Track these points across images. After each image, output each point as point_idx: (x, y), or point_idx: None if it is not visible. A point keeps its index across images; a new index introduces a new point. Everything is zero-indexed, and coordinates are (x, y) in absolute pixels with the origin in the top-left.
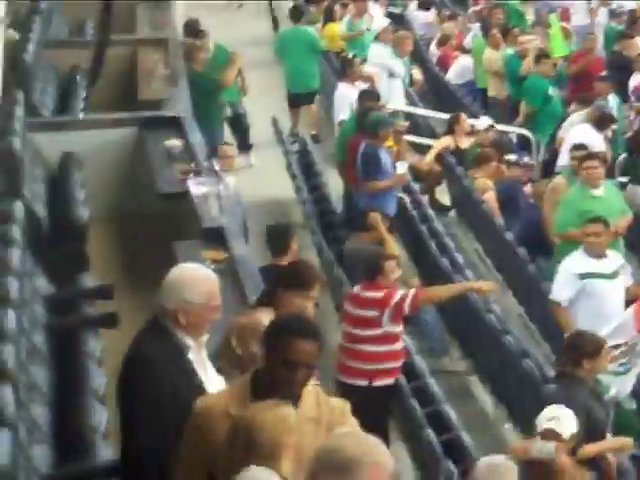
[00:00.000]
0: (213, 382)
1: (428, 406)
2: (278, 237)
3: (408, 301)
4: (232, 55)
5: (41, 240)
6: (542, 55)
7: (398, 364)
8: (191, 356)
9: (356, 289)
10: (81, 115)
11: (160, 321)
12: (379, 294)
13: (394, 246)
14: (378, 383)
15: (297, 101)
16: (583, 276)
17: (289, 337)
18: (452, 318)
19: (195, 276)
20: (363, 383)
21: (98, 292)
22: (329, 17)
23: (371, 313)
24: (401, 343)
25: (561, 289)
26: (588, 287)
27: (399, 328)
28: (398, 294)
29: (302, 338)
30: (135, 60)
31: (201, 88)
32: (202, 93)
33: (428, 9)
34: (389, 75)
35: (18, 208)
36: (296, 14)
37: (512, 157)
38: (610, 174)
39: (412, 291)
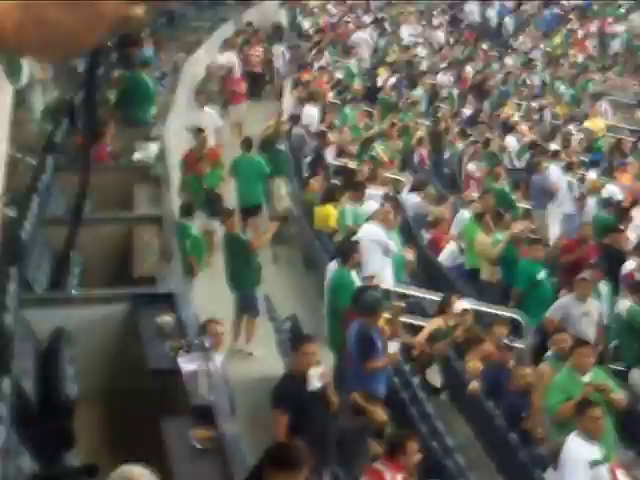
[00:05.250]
0: None
1: None
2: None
3: None
4: (271, 224)
5: (27, 417)
6: (534, 240)
7: None
8: None
9: (376, 464)
10: (73, 291)
11: None
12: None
13: (381, 414)
14: None
15: (248, 214)
16: (592, 464)
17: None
18: None
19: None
20: None
21: (83, 471)
22: (328, 197)
23: None
24: None
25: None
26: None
27: None
28: None
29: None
30: (131, 237)
31: (234, 249)
32: (234, 254)
33: (420, 191)
34: (383, 252)
35: (5, 385)
36: (247, 144)
37: (504, 340)
38: (601, 361)
39: None
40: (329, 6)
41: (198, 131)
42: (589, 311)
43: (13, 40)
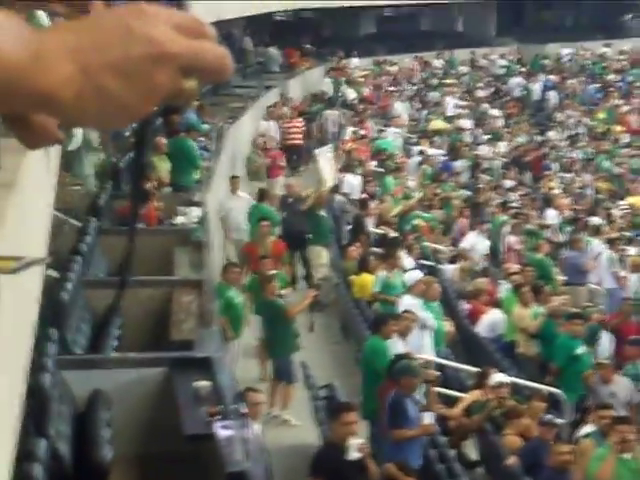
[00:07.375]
0: None
1: None
2: None
3: None
4: (307, 293)
5: (62, 479)
6: (573, 315)
7: None
8: None
9: None
10: (112, 354)
11: None
12: None
13: None
14: None
15: None
16: None
17: None
18: None
19: None
20: None
21: None
22: (363, 266)
23: None
24: None
25: None
26: None
27: None
28: None
29: None
30: (170, 301)
31: (270, 316)
32: (271, 321)
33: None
34: (420, 327)
35: (41, 446)
36: (261, 194)
37: (542, 416)
38: None
39: None
40: (373, 77)
41: (260, 219)
42: (615, 392)
43: (72, 109)
